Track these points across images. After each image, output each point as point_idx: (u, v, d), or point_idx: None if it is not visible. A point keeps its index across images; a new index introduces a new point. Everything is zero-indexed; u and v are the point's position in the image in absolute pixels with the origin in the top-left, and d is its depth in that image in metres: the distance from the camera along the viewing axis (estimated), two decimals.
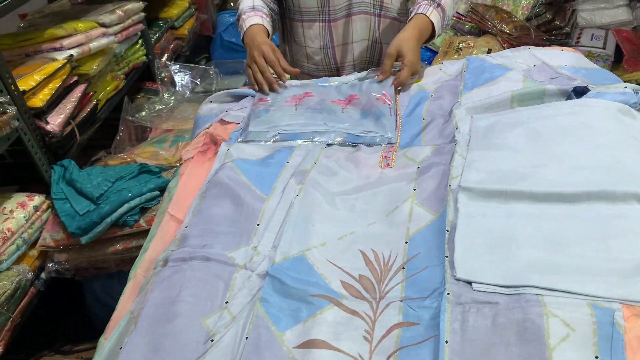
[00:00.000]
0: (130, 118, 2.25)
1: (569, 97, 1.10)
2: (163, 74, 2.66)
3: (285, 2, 1.54)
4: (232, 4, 4.02)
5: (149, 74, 2.61)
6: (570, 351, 0.68)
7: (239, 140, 1.18)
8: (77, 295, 1.90)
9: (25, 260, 1.61)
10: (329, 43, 1.54)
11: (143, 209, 1.64)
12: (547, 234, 0.84)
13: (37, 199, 1.68)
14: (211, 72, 2.73)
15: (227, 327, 0.77)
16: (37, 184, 1.81)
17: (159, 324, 0.78)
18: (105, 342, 0.82)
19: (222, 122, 1.25)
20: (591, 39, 3.19)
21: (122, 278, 1.79)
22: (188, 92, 2.65)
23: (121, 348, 0.77)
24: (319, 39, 1.54)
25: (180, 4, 3.04)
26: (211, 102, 1.36)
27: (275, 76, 1.37)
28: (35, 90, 1.73)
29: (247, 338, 0.75)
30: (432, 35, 1.37)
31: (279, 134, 1.18)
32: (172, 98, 2.52)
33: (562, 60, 1.23)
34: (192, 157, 1.15)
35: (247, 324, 0.77)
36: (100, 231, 1.59)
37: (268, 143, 1.17)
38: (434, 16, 1.34)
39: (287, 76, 1.39)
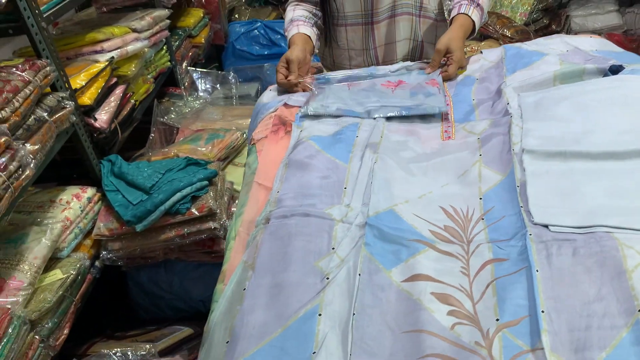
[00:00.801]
0: (161, 119, 2.34)
1: (605, 75, 1.23)
2: (184, 80, 2.77)
3: (329, 7, 1.64)
4: (236, 15, 4.15)
5: (172, 80, 2.71)
6: None
7: (300, 113, 1.29)
8: (118, 286, 1.98)
9: (81, 249, 1.69)
10: (372, 44, 1.65)
11: (193, 198, 1.73)
12: (608, 185, 0.95)
13: (90, 191, 1.76)
14: (230, 78, 2.84)
15: (338, 267, 0.87)
16: (78, 180, 1.89)
17: (276, 268, 0.88)
18: (226, 287, 0.91)
19: (287, 106, 1.36)
20: None
21: (168, 267, 1.88)
22: (209, 97, 2.76)
23: (244, 289, 0.87)
24: (362, 41, 1.66)
25: (195, 13, 3.16)
26: (270, 90, 1.47)
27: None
28: (82, 89, 1.82)
29: (360, 275, 0.86)
30: (472, 32, 1.51)
31: (337, 108, 1.29)
32: (196, 102, 2.62)
33: (592, 45, 1.37)
34: (265, 137, 1.25)
35: (357, 263, 0.87)
36: (155, 219, 1.67)
37: (332, 119, 1.27)
38: (475, 15, 1.49)
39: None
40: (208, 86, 2.81)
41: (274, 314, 0.82)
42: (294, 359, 0.75)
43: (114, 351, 1.42)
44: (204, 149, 2.06)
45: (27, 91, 1.44)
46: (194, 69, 2.85)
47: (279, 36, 3.47)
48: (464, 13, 1.49)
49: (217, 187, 1.80)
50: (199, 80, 2.81)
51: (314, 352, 0.75)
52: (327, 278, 0.86)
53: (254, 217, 1.04)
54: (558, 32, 3.36)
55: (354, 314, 0.80)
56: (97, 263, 1.73)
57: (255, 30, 3.48)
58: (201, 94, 2.74)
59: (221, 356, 0.79)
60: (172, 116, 2.41)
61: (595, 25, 3.52)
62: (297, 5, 1.70)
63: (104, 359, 1.40)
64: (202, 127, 2.32)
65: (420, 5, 1.60)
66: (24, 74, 1.46)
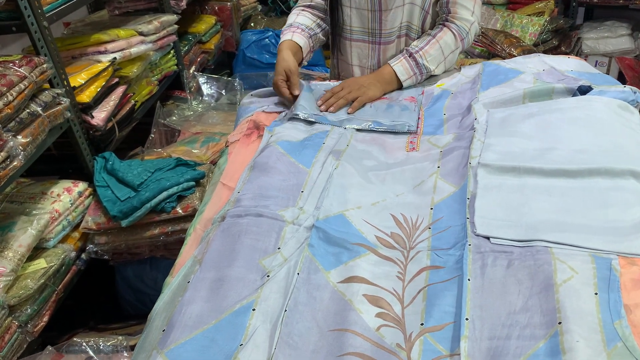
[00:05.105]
0: (162, 121, 2.40)
1: (574, 95, 1.24)
2: (191, 84, 2.83)
3: (335, 19, 1.62)
4: (252, 24, 4.23)
5: (178, 83, 2.77)
6: (574, 287, 0.80)
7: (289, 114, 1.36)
8: (107, 280, 2.03)
9: (69, 240, 1.75)
10: (377, 64, 1.61)
11: (179, 197, 1.77)
12: (555, 202, 0.97)
13: (81, 185, 1.82)
14: (236, 84, 2.89)
15: (280, 266, 0.90)
16: (75, 175, 1.95)
17: (221, 264, 0.92)
18: (173, 280, 0.95)
19: (265, 112, 1.40)
20: (595, 65, 3.36)
21: (154, 264, 1.92)
22: (214, 102, 2.82)
23: (189, 282, 0.90)
24: (367, 59, 1.62)
25: (208, 20, 3.23)
26: (252, 95, 1.52)
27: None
28: (82, 87, 1.89)
29: (298, 274, 0.89)
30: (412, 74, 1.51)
31: (314, 114, 1.35)
32: (200, 106, 2.68)
33: (569, 65, 1.38)
34: (238, 140, 1.29)
35: (298, 263, 0.90)
36: (140, 215, 1.72)
37: (303, 126, 1.31)
38: (399, 66, 1.49)
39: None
40: (213, 91, 2.87)
41: (210, 307, 0.85)
42: (221, 349, 0.78)
43: (86, 340, 1.47)
44: (197, 151, 2.11)
45: (22, 86, 1.50)
46: (200, 73, 2.91)
47: None
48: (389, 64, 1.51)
49: (204, 188, 1.84)
50: (205, 85, 2.87)
51: (241, 344, 0.78)
52: (268, 276, 0.89)
53: (213, 215, 1.08)
54: (567, 54, 3.35)
55: (285, 310, 0.83)
56: (83, 255, 1.78)
57: (267, 39, 3.53)
58: (206, 98, 2.80)
59: (155, 342, 0.82)
60: (174, 118, 2.47)
61: (607, 48, 3.50)
62: (302, 10, 1.69)
63: (75, 347, 1.45)
64: (201, 130, 2.37)
65: (422, 27, 1.55)
66: (20, 69, 1.52)
